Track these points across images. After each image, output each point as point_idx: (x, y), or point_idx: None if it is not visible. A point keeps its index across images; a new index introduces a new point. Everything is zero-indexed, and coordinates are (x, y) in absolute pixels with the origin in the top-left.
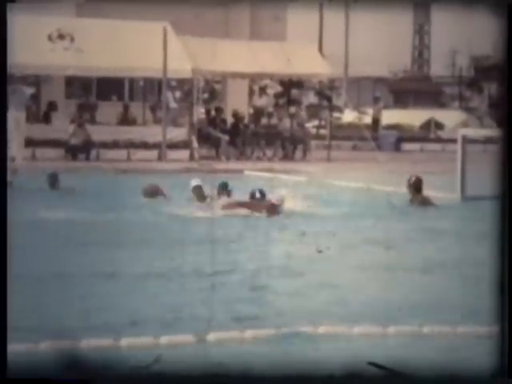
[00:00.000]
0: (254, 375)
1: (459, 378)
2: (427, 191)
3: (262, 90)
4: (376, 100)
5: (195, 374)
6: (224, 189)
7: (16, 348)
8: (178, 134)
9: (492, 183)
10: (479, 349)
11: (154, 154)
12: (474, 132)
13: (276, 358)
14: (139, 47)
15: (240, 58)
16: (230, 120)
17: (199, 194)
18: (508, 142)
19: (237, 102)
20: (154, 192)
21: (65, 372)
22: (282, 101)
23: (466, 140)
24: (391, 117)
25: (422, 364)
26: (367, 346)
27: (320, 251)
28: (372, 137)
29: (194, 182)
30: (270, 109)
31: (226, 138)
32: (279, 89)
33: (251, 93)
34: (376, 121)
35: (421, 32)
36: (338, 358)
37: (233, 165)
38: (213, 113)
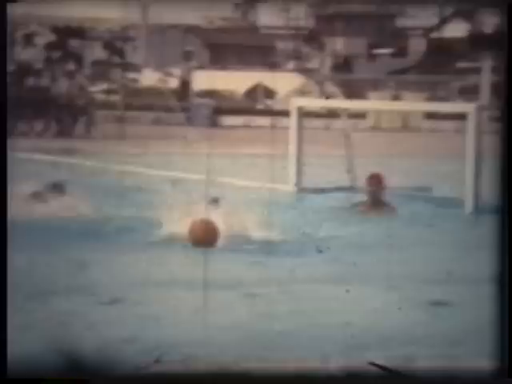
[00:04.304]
0: (254, 375)
1: (459, 377)
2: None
3: (28, 39)
4: (186, 57)
5: (195, 373)
6: None
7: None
8: None
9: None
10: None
11: None
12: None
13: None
14: None
15: None
16: None
17: None
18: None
19: None
20: None
21: (65, 372)
22: (56, 55)
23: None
24: (206, 80)
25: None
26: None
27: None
28: (181, 107)
29: None
30: (39, 65)
31: None
32: (52, 37)
33: (12, 43)
34: (186, 85)
35: None
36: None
37: None
38: None
